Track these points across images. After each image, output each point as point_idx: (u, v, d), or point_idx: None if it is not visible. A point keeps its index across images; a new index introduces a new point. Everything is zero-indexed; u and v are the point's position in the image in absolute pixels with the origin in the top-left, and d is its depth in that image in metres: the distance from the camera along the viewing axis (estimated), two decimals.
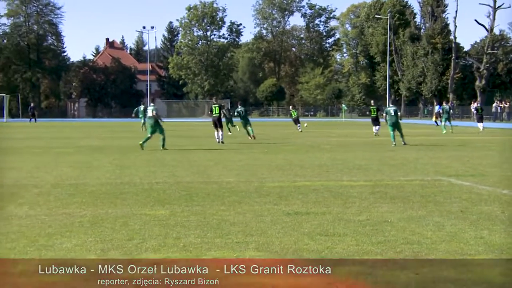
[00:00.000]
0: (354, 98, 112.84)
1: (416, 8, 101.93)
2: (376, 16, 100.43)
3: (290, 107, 52.00)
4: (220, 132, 28.60)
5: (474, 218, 9.59)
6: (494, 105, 75.49)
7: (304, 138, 34.01)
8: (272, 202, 11.17)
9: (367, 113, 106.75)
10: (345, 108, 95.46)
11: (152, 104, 25.95)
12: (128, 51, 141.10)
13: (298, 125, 44.13)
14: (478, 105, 53.50)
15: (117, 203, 11.11)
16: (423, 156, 21.54)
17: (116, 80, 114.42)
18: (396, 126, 26.87)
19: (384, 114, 27.78)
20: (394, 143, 26.57)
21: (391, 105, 28.50)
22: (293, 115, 45.39)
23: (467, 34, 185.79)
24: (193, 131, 45.14)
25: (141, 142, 24.32)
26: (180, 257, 7.25)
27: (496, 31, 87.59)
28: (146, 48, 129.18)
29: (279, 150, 24.21)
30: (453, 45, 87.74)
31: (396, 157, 21.06)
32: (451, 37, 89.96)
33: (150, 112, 25.09)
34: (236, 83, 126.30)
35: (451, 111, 40.16)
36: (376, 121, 37.94)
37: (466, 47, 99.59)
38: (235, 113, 34.20)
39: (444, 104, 44.05)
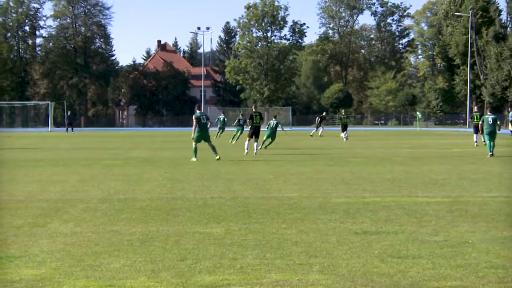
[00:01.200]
0: (430, 105, 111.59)
1: (502, 4, 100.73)
2: (456, 13, 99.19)
3: (343, 111, 53.79)
4: (255, 143, 29.29)
5: None
6: None
7: (373, 149, 33.78)
8: (338, 220, 11.12)
9: (448, 122, 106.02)
10: (420, 116, 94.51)
11: (198, 111, 26.12)
12: (181, 54, 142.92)
13: (345, 132, 45.39)
14: None
15: (168, 220, 11.22)
16: (509, 170, 21.14)
17: (168, 85, 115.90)
18: (492, 136, 27.45)
19: (481, 122, 28.10)
20: (490, 153, 27.00)
21: (489, 113, 28.56)
22: (343, 122, 46.71)
23: None
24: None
25: (217, 157, 24.93)
26: (237, 280, 7.28)
27: None
28: (200, 51, 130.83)
29: (345, 162, 24.09)
30: None
31: (478, 170, 20.73)
32: None
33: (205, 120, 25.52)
34: (298, 88, 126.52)
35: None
36: (478, 129, 38.03)
37: None
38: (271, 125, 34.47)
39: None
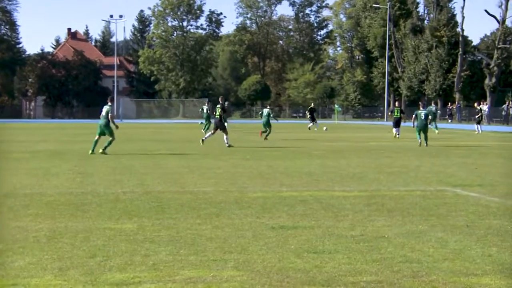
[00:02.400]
0: (349, 98, 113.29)
1: None
2: (374, 5, 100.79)
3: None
4: (225, 136, 29.40)
5: (482, 234, 9.66)
6: (504, 106, 75.91)
7: (291, 142, 34.09)
8: (254, 215, 11.18)
9: (366, 115, 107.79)
10: (339, 109, 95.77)
11: (109, 103, 26.18)
12: (93, 43, 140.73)
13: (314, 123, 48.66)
14: (482, 106, 54.27)
15: (77, 216, 11.07)
16: (425, 163, 21.66)
17: (78, 76, 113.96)
18: (425, 130, 29.85)
19: (414, 116, 29.85)
20: (420, 141, 29.79)
21: (422, 108, 30.98)
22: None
23: (476, 26, 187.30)
24: (166, 134, 45.03)
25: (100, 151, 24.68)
26: (149, 277, 7.24)
27: (508, 23, 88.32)
28: (113, 39, 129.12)
29: (263, 156, 24.23)
30: (460, 38, 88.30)
31: (394, 164, 21.17)
32: (458, 29, 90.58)
33: (104, 112, 25.45)
34: (215, 80, 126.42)
35: (438, 112, 43.39)
36: (398, 124, 40.17)
37: (475, 41, 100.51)
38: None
39: (432, 105, 46.08)
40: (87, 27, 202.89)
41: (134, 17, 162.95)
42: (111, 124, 25.24)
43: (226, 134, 29.54)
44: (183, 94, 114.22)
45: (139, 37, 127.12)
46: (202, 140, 30.18)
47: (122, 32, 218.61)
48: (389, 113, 47.90)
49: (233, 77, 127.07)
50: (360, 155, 25.14)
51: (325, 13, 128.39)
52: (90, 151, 24.47)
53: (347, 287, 6.90)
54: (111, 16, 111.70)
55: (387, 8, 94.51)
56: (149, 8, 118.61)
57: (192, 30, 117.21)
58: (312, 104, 61.31)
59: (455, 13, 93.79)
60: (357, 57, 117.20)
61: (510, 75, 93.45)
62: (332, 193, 14.09)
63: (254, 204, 12.40)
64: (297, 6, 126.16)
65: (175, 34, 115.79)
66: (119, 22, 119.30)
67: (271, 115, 37.79)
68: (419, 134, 30.16)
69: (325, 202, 12.63)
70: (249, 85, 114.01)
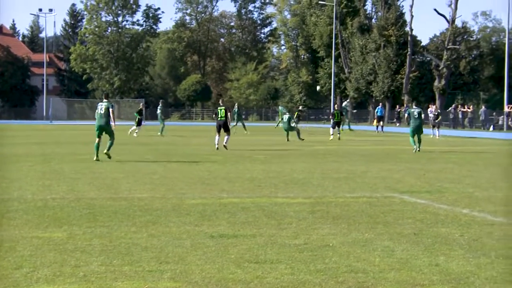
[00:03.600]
0: (294, 99, 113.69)
1: None
2: (320, 2, 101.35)
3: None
4: (226, 137, 29.77)
5: (429, 242, 9.80)
6: (451, 109, 77.09)
7: (232, 146, 34.11)
8: (193, 223, 11.17)
9: (312, 117, 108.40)
10: (283, 111, 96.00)
11: (105, 100, 24.34)
12: (21, 39, 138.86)
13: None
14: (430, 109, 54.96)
15: (2, 224, 10.92)
16: (372, 168, 21.88)
17: (4, 73, 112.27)
18: (418, 130, 29.40)
19: (406, 115, 29.67)
20: (415, 148, 29.09)
21: (414, 107, 30.47)
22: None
23: (426, 26, 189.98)
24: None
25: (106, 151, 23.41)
26: None
27: (458, 23, 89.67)
28: (42, 35, 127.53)
29: (203, 160, 24.20)
30: (409, 38, 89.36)
31: (340, 169, 21.35)
32: (407, 28, 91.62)
33: (101, 110, 23.79)
34: (152, 79, 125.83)
35: (349, 111, 44.96)
36: (338, 125, 42.15)
37: (424, 41, 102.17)
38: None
39: (345, 102, 47.42)
40: (13, 21, 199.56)
41: (65, 11, 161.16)
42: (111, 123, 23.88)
43: (229, 135, 30.10)
44: (118, 94, 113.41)
45: (70, 33, 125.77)
46: (217, 148, 29.82)
47: (52, 27, 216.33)
48: (330, 116, 48.83)
49: (172, 76, 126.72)
50: (305, 160, 25.29)
51: (269, 10, 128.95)
52: (95, 158, 23.17)
53: None
54: (40, 9, 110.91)
55: (333, 6, 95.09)
56: (82, 2, 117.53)
57: (127, 26, 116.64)
58: (301, 107, 62.36)
59: (403, 11, 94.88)
60: (302, 56, 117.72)
61: (460, 77, 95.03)
62: (275, 199, 14.15)
63: (192, 211, 12.38)
64: (240, 2, 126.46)
65: (109, 30, 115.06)
66: (49, 16, 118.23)
67: (292, 119, 40.61)
68: (413, 137, 29.58)
69: (267, 209, 12.67)
70: (189, 85, 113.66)
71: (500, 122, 71.61)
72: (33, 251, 8.96)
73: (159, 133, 45.60)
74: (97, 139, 23.73)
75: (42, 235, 10.01)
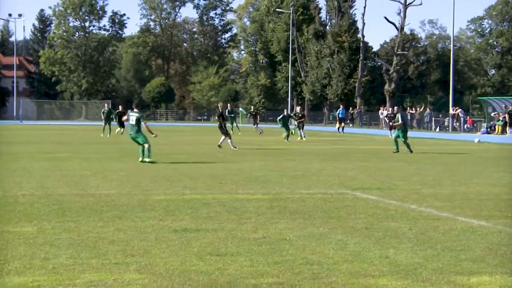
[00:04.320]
0: (253, 101, 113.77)
1: (322, 3, 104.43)
2: (277, 10, 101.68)
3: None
4: (228, 140, 30.59)
5: (380, 236, 9.88)
6: (380, 111, 77.76)
7: (197, 145, 34.08)
8: (157, 218, 11.14)
9: (270, 118, 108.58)
10: (243, 112, 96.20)
11: (135, 110, 23.66)
12: None
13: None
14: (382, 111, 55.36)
15: None
16: (327, 166, 21.99)
17: None
18: (403, 133, 29.33)
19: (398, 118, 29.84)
20: (396, 150, 28.96)
21: (401, 111, 31.47)
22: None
23: (376, 33, 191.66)
24: (68, 136, 44.23)
25: (143, 159, 22.54)
26: (49, 281, 7.12)
27: (407, 30, 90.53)
28: (12, 39, 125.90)
29: (167, 158, 24.12)
30: (361, 44, 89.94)
31: (297, 167, 21.42)
32: (359, 35, 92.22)
33: (132, 121, 23.18)
34: (118, 82, 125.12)
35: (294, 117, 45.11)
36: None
37: (375, 47, 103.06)
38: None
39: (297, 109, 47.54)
40: None
41: (34, 16, 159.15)
42: (146, 132, 23.11)
43: (227, 137, 30.77)
44: (86, 95, 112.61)
45: (39, 37, 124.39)
46: (234, 147, 30.22)
47: (22, 31, 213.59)
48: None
49: (137, 79, 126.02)
50: (263, 159, 25.33)
51: (229, 16, 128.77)
52: (140, 159, 22.51)
53: None
54: (10, 14, 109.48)
55: (290, 13, 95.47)
56: (50, 8, 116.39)
57: (94, 31, 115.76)
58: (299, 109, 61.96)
59: (356, 19, 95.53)
60: (261, 61, 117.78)
61: (409, 81, 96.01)
62: (236, 196, 14.16)
63: (157, 206, 12.35)
64: (201, 9, 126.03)
65: (77, 35, 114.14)
66: (19, 21, 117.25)
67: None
68: (396, 140, 29.31)
69: (228, 205, 12.68)
70: (153, 87, 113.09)
71: (445, 124, 72.38)
72: (4, 244, 8.87)
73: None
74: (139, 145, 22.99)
75: (12, 230, 9.91)
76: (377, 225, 10.76)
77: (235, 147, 29.97)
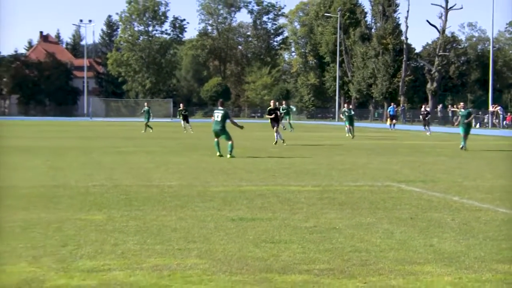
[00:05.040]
0: (303, 99, 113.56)
1: (367, 7, 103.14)
2: (325, 14, 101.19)
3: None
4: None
5: (424, 225, 9.76)
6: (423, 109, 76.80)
7: (249, 140, 34.09)
8: (216, 208, 11.16)
9: (319, 115, 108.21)
10: (293, 109, 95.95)
11: (220, 107, 23.35)
12: (64, 46, 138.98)
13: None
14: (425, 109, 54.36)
15: (50, 207, 10.95)
16: (373, 161, 21.82)
17: (50, 76, 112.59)
18: (468, 129, 28.26)
19: (458, 117, 29.13)
20: (463, 146, 27.80)
21: (462, 110, 29.39)
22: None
23: (419, 35, 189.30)
24: (133, 132, 44.67)
25: (220, 154, 22.41)
26: (118, 264, 7.19)
27: (448, 32, 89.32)
28: (83, 43, 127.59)
29: (224, 153, 24.14)
30: (404, 46, 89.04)
31: (345, 161, 21.30)
32: (403, 37, 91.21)
33: (217, 117, 22.84)
34: (179, 81, 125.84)
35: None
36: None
37: (418, 49, 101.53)
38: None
39: (345, 107, 44.22)
40: (58, 30, 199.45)
41: (102, 22, 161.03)
42: (234, 125, 23.17)
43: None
44: (149, 94, 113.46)
45: (107, 41, 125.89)
46: (282, 140, 30.08)
47: (92, 35, 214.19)
48: (340, 115, 47.18)
49: (196, 79, 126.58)
50: (313, 153, 25.24)
51: (281, 20, 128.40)
52: (218, 154, 22.40)
53: (301, 275, 6.92)
54: (81, 20, 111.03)
55: (337, 17, 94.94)
56: (117, 14, 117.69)
57: (157, 35, 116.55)
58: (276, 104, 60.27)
59: (399, 22, 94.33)
60: (310, 62, 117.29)
61: (450, 80, 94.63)
62: (288, 187, 14.13)
63: (216, 197, 12.39)
64: (255, 13, 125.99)
65: (141, 38, 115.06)
66: (89, 26, 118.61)
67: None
68: (464, 136, 27.96)
69: (281, 196, 12.66)
70: (211, 87, 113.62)
71: (485, 120, 71.23)
72: (77, 231, 8.99)
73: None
74: (215, 138, 22.94)
75: (84, 217, 10.04)
76: (421, 216, 10.63)
77: (284, 143, 29.70)
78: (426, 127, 45.86)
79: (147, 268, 7.05)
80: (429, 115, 48.38)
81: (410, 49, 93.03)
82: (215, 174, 16.73)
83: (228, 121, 22.90)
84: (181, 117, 46.24)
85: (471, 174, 17.82)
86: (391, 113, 58.52)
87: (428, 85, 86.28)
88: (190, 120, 47.78)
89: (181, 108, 46.84)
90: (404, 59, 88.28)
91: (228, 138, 22.60)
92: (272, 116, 30.73)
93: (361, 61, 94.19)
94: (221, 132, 22.71)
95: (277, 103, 33.21)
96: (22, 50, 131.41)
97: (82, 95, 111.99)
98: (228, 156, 21.98)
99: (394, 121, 57.44)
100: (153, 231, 9.06)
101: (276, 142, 29.87)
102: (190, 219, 9.99)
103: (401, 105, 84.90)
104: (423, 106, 50.91)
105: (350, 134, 38.94)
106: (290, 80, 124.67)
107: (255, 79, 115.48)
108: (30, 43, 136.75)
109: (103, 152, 23.74)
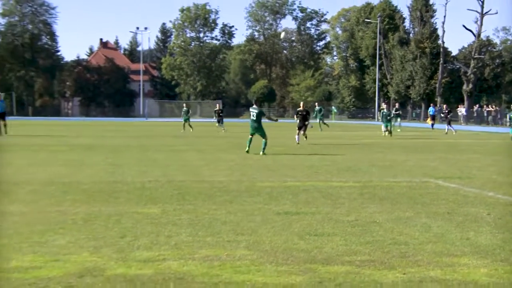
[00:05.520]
0: (344, 101, 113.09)
1: (406, 13, 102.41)
2: (366, 20, 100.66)
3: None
4: (298, 133, 29.17)
5: (461, 220, 9.62)
6: (476, 108, 75.93)
7: (293, 139, 34.00)
8: (263, 202, 11.16)
9: (359, 115, 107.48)
10: (335, 110, 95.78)
11: (255, 106, 23.30)
12: (122, 52, 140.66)
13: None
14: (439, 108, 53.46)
15: (110, 201, 11.08)
16: (411, 158, 21.60)
17: (109, 80, 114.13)
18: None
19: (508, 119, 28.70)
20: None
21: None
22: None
23: (455, 39, 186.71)
24: (186, 131, 44.94)
25: (248, 150, 22.50)
26: (172, 255, 7.24)
27: (483, 36, 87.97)
28: (139, 48, 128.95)
29: (269, 151, 24.16)
30: (441, 49, 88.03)
31: (385, 158, 21.12)
32: (439, 41, 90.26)
33: (253, 116, 22.93)
34: (228, 84, 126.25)
35: (398, 112, 41.79)
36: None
37: (454, 52, 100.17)
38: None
39: (383, 105, 43.03)
40: (117, 37, 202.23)
41: (157, 29, 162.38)
42: (270, 120, 23.22)
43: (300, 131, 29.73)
44: (200, 96, 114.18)
45: (162, 47, 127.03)
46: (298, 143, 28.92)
47: (147, 42, 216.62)
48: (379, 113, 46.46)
49: (243, 81, 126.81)
50: (354, 151, 25.07)
51: (324, 26, 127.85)
52: (246, 149, 22.51)
53: (343, 266, 6.88)
54: (138, 28, 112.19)
55: (377, 23, 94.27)
56: (170, 22, 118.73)
57: (207, 41, 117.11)
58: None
59: (436, 27, 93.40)
60: (351, 65, 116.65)
61: (485, 81, 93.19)
62: (330, 183, 14.06)
63: (262, 192, 12.39)
64: (299, 20, 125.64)
65: (192, 44, 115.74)
66: (145, 33, 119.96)
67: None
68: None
69: (324, 191, 12.60)
70: (257, 89, 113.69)
71: None
72: (134, 223, 9.07)
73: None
74: (250, 136, 22.98)
75: (141, 211, 10.13)
76: (458, 210, 10.48)
77: (299, 143, 28.71)
78: (449, 126, 45.30)
79: (199, 259, 7.09)
80: (451, 114, 47.76)
81: (446, 52, 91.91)
82: (261, 170, 16.73)
83: (263, 119, 22.98)
84: (216, 117, 45.92)
85: (505, 170, 17.51)
86: (431, 113, 57.67)
87: (464, 87, 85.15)
88: (224, 120, 47.03)
89: (217, 109, 46.62)
90: (441, 62, 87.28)
91: (263, 135, 22.69)
92: (301, 117, 29.85)
93: (400, 64, 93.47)
94: (257, 129, 22.83)
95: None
96: (83, 56, 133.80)
97: (138, 97, 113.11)
98: (261, 153, 22.04)
99: (434, 121, 56.60)
100: (204, 224, 9.10)
101: (298, 143, 28.69)
102: (238, 213, 10.01)
103: (437, 105, 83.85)
104: (445, 106, 50.01)
105: (387, 134, 38.56)
106: (332, 82, 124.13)
107: (299, 82, 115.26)
108: (91, 49, 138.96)
109: (158, 150, 23.93)
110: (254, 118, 22.90)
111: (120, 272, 6.52)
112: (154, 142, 29.53)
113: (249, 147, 22.71)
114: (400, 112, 48.77)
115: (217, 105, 49.22)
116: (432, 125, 55.41)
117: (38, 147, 25.07)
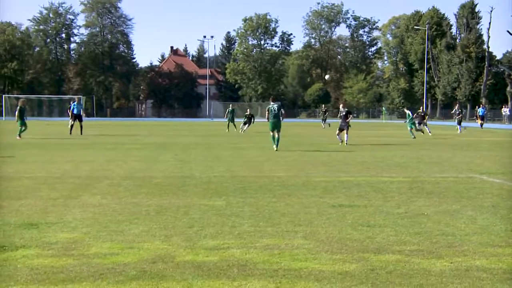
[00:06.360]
0: (394, 102, 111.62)
1: (452, 20, 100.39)
2: (415, 27, 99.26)
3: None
4: (345, 135, 26.79)
5: (505, 213, 9.38)
6: (503, 109, 74.01)
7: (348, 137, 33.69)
8: (318, 195, 11.11)
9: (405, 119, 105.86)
10: (385, 111, 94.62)
11: (273, 102, 22.80)
12: (190, 58, 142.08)
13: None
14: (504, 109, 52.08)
15: (179, 194, 11.19)
16: (457, 155, 21.16)
17: (179, 84, 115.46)
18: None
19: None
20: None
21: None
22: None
23: (500, 44, 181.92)
24: (247, 130, 45.08)
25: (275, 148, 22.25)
26: (236, 244, 7.26)
27: None
28: (206, 55, 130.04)
29: (324, 148, 24.06)
30: (486, 54, 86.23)
31: (432, 155, 20.75)
32: (484, 46, 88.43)
33: (274, 110, 22.46)
34: (286, 87, 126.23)
35: (417, 114, 40.16)
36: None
37: (499, 56, 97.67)
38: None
39: (406, 110, 40.54)
40: (185, 45, 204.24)
41: (222, 37, 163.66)
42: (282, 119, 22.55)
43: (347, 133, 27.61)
44: (261, 98, 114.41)
45: (226, 53, 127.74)
46: (341, 142, 26.99)
47: (213, 49, 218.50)
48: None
49: (300, 85, 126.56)
50: (403, 148, 24.72)
51: (375, 33, 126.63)
52: (275, 148, 22.32)
53: (394, 255, 6.79)
54: (204, 36, 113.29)
55: (426, 30, 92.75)
56: (234, 30, 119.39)
57: (268, 47, 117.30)
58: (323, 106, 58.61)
59: (482, 33, 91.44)
60: (400, 69, 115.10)
61: None
62: (381, 178, 13.89)
63: (318, 186, 12.32)
64: (353, 27, 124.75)
65: (254, 51, 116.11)
66: (211, 41, 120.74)
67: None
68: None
69: (375, 186, 12.46)
70: (313, 91, 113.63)
71: None
72: (201, 214, 9.14)
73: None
74: (271, 133, 22.75)
75: (207, 203, 10.20)
76: (502, 204, 10.21)
77: (342, 141, 27.03)
78: (459, 125, 44.06)
79: (260, 247, 7.09)
80: (462, 114, 46.33)
81: (491, 56, 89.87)
82: (317, 166, 16.65)
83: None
84: (245, 119, 44.26)
85: None
86: (480, 113, 56.08)
87: (508, 88, 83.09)
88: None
89: (248, 113, 45.31)
90: (486, 65, 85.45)
91: (279, 131, 22.36)
92: (343, 117, 28.01)
93: (447, 67, 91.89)
94: (277, 125, 22.34)
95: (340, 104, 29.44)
96: (156, 62, 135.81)
97: (205, 99, 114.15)
98: (275, 148, 21.92)
99: (482, 121, 55.00)
100: (265, 215, 9.11)
101: (342, 142, 26.72)
102: (296, 205, 9.98)
103: (482, 105, 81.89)
104: (456, 106, 48.12)
105: (413, 135, 34.81)
106: (382, 85, 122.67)
107: (352, 84, 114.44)
108: (162, 56, 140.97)
109: (222, 148, 24.07)
110: (276, 112, 22.42)
111: (189, 259, 6.57)
112: (219, 141, 29.71)
113: (277, 145, 22.34)
114: (462, 114, 47.20)
115: (248, 109, 48.78)
116: (481, 124, 54.03)
117: (115, 145, 25.53)
